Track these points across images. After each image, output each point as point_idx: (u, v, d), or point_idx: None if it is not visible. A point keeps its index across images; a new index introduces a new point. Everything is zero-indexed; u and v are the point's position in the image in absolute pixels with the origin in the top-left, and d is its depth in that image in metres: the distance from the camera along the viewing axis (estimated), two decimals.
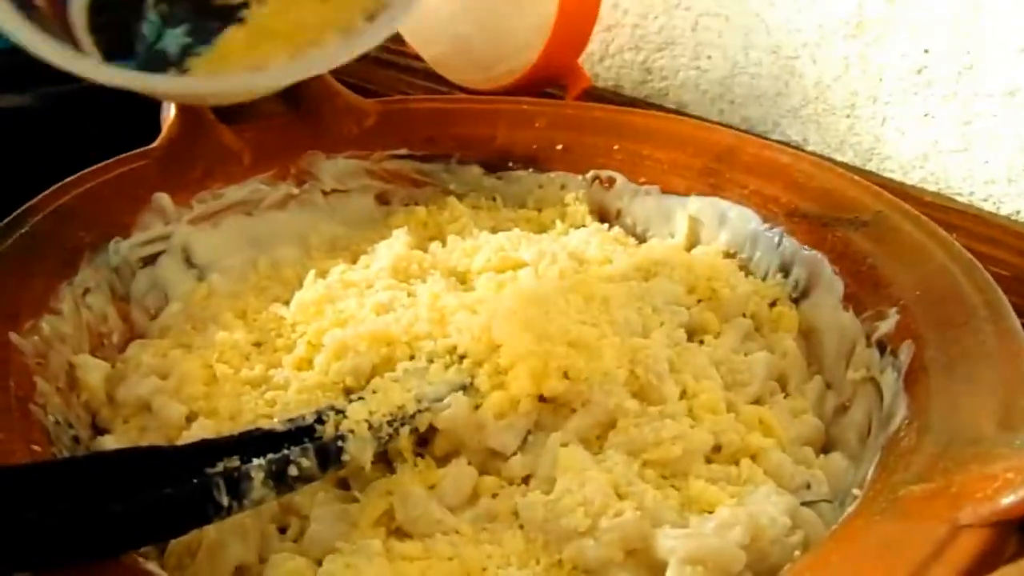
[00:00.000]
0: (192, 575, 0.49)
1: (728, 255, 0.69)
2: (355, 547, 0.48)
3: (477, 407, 0.54)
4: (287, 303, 0.64)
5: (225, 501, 0.46)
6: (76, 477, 0.43)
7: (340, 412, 0.52)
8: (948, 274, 0.57)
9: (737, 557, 0.47)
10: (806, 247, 0.65)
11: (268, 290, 0.68)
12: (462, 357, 0.56)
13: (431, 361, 0.57)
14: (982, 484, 0.41)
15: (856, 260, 0.61)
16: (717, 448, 0.54)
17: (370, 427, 0.51)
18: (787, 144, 0.86)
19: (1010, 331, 0.52)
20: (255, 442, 0.49)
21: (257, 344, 0.63)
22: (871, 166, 0.92)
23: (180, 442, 0.54)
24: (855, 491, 0.50)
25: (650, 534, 0.48)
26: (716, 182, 0.71)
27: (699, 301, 0.64)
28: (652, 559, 0.48)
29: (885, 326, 0.57)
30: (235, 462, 0.47)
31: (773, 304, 0.66)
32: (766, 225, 0.67)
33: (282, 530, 0.52)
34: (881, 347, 0.56)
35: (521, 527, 0.50)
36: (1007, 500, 0.39)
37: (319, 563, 0.48)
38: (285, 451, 0.49)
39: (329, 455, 0.50)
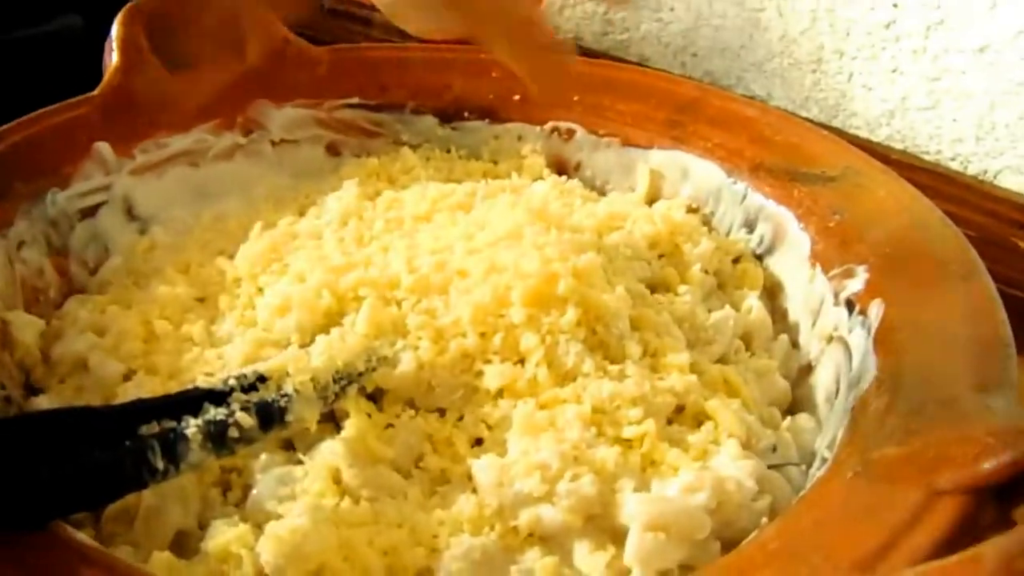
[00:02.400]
0: (130, 542, 0.47)
1: (691, 210, 0.67)
2: (300, 511, 0.46)
3: (426, 365, 0.51)
4: (232, 257, 0.62)
5: (160, 464, 0.44)
6: (1, 441, 0.41)
7: (283, 370, 0.49)
8: (919, 231, 0.56)
9: (702, 523, 0.45)
10: (772, 201, 0.63)
11: (212, 243, 0.65)
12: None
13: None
14: (960, 449, 0.40)
15: (823, 216, 0.60)
16: (680, 409, 0.52)
17: (315, 386, 0.49)
18: (751, 99, 0.84)
19: (983, 290, 0.51)
20: (193, 402, 0.47)
21: (200, 299, 0.60)
22: (837, 122, 0.90)
23: (117, 402, 0.52)
24: (824, 453, 0.48)
25: (610, 499, 0.46)
26: (679, 135, 0.69)
27: (660, 256, 0.62)
28: (613, 524, 0.46)
29: (854, 284, 0.55)
30: (171, 423, 0.45)
31: (737, 261, 0.64)
32: (731, 179, 0.66)
33: (226, 492, 0.50)
34: (850, 306, 0.54)
35: (475, 491, 0.48)
36: (987, 466, 0.38)
37: (262, 528, 0.46)
38: (225, 411, 0.47)
39: (272, 415, 0.48)
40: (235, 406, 0.47)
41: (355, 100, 0.75)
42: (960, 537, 0.37)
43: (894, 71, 0.86)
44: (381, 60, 0.78)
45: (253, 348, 0.54)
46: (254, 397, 0.48)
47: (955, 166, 0.85)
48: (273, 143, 0.74)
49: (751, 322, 0.59)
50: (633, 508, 0.45)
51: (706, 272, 0.62)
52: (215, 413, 0.46)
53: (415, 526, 0.46)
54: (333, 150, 0.75)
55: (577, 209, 0.65)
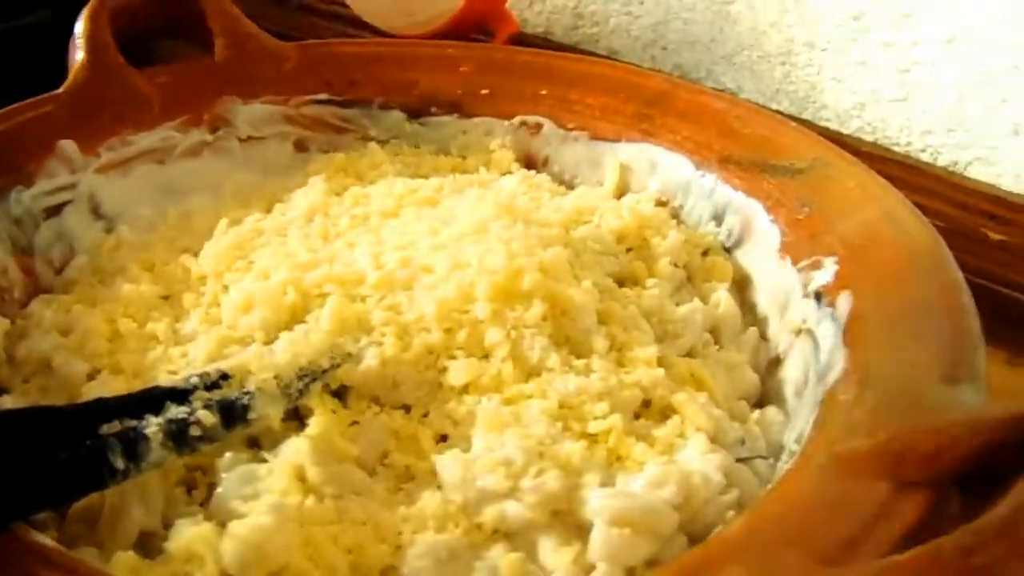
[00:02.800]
0: (94, 543, 0.46)
1: (660, 203, 0.66)
2: (263, 510, 0.45)
3: (390, 361, 0.51)
4: (198, 254, 0.61)
5: (121, 464, 0.44)
6: None
7: (246, 368, 0.49)
8: (888, 223, 0.55)
9: (668, 518, 0.45)
10: (741, 194, 0.63)
11: (178, 241, 0.64)
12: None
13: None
14: (926, 441, 0.39)
15: (792, 208, 0.59)
16: (647, 403, 0.51)
17: (279, 383, 0.49)
18: (721, 92, 0.84)
19: (952, 282, 0.51)
20: (155, 400, 0.46)
21: (165, 297, 0.59)
22: (807, 115, 0.90)
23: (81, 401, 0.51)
24: (792, 447, 0.48)
25: (575, 495, 0.45)
26: (648, 128, 0.68)
27: (628, 250, 0.62)
28: (578, 520, 0.45)
29: (822, 276, 0.54)
30: (132, 422, 0.45)
31: (706, 254, 0.63)
32: (699, 172, 0.65)
33: (191, 491, 0.49)
34: (818, 298, 0.54)
35: (439, 488, 0.47)
36: (951, 457, 0.38)
37: (226, 527, 0.45)
38: (186, 409, 0.46)
39: (235, 413, 0.48)
40: (197, 404, 0.47)
41: (323, 96, 0.74)
42: (927, 529, 0.37)
43: (864, 63, 0.86)
44: (349, 56, 0.77)
45: (217, 346, 0.53)
46: (216, 395, 0.48)
47: (925, 157, 0.85)
48: (240, 140, 0.73)
49: (720, 315, 0.59)
50: (598, 503, 0.45)
51: (675, 265, 0.61)
52: (176, 411, 0.46)
53: (379, 523, 0.45)
54: (301, 146, 0.75)
55: (544, 203, 0.65)
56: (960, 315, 0.48)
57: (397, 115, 0.75)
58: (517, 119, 0.73)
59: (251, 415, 0.48)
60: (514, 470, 0.45)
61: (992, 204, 0.80)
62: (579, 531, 0.45)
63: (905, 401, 0.43)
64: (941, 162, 0.85)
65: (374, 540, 0.45)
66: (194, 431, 0.46)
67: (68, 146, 0.65)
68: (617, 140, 0.69)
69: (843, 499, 0.39)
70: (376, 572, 0.44)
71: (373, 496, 0.47)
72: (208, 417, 0.46)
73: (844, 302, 0.52)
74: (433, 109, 0.74)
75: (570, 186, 0.71)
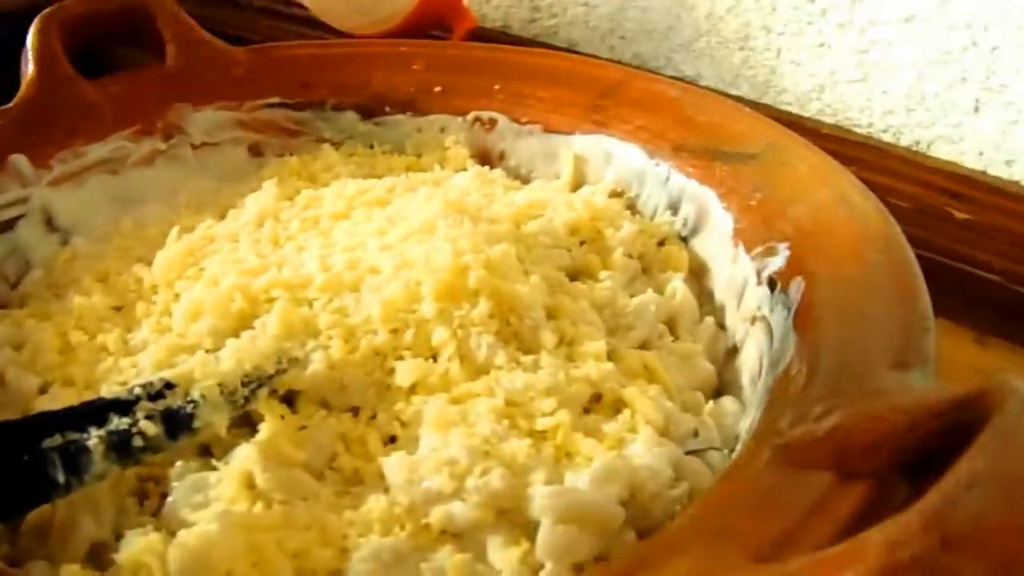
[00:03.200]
0: (45, 557, 0.46)
1: (615, 194, 0.66)
2: (210, 518, 0.44)
3: (337, 364, 0.50)
4: (152, 263, 0.61)
5: (62, 478, 0.44)
6: None
7: (190, 376, 0.49)
8: (841, 206, 0.55)
9: (615, 514, 0.44)
10: (694, 182, 0.62)
11: (132, 250, 0.64)
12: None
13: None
14: (869, 427, 0.39)
15: (745, 194, 0.59)
16: (597, 398, 0.51)
17: (223, 390, 0.48)
18: (681, 79, 0.84)
19: (905, 265, 0.50)
20: (97, 412, 0.46)
21: (117, 308, 0.59)
22: (767, 99, 0.90)
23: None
24: (745, 437, 0.47)
25: (522, 493, 0.45)
26: (601, 119, 0.68)
27: (582, 243, 0.61)
28: (525, 519, 0.45)
29: (775, 262, 0.54)
30: (75, 435, 0.44)
31: (662, 244, 0.63)
32: (653, 161, 0.65)
33: (143, 501, 0.49)
34: (771, 284, 0.53)
35: (387, 490, 0.47)
36: (893, 445, 0.37)
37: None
38: (128, 420, 0.46)
39: (179, 422, 0.47)
40: (140, 415, 0.46)
41: (275, 99, 0.74)
42: (870, 520, 0.36)
43: (821, 45, 0.86)
44: (300, 58, 0.77)
45: (167, 354, 0.53)
46: (160, 405, 0.47)
47: (887, 138, 0.85)
48: (194, 147, 0.73)
49: (676, 306, 0.58)
50: (543, 501, 0.44)
51: (630, 256, 0.61)
52: (119, 423, 0.46)
53: (325, 527, 0.45)
54: (255, 151, 0.74)
55: (497, 199, 0.64)
56: (912, 298, 0.48)
57: (351, 116, 0.75)
58: (471, 115, 0.72)
59: (196, 424, 0.47)
60: (459, 470, 0.45)
61: (956, 183, 0.80)
62: (526, 530, 0.45)
63: (853, 388, 0.43)
64: (903, 142, 0.85)
65: (319, 544, 0.44)
66: (137, 442, 0.46)
67: (19, 160, 0.65)
68: (571, 132, 0.69)
69: (782, 491, 0.38)
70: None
71: (320, 500, 0.47)
72: (151, 427, 0.46)
73: (796, 288, 0.51)
74: (387, 108, 0.74)
75: (526, 180, 0.71)
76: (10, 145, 0.65)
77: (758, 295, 0.55)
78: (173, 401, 0.47)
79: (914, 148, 0.84)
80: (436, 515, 0.45)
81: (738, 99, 0.75)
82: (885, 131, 0.85)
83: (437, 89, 0.73)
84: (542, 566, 0.43)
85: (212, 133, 0.73)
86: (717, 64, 0.92)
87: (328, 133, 0.75)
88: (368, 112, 0.74)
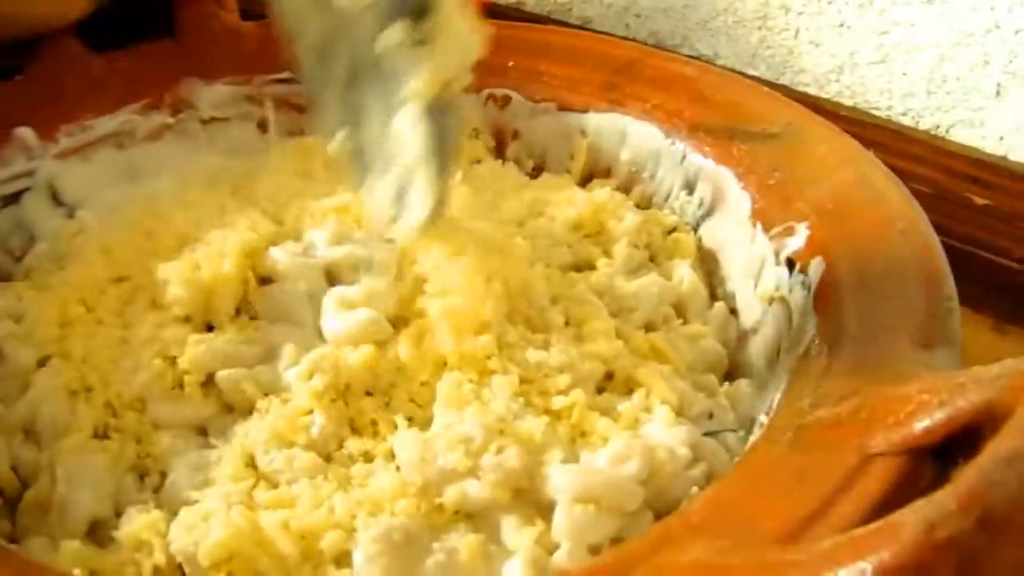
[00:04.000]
0: (45, 534, 0.45)
1: (632, 173, 0.65)
2: (213, 497, 0.44)
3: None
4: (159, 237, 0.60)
5: None
6: None
7: None
8: (861, 186, 0.54)
9: (633, 493, 0.44)
10: (711, 161, 0.61)
11: (139, 224, 0.62)
12: None
13: None
14: (894, 408, 0.38)
15: (763, 174, 0.58)
16: (609, 376, 0.50)
17: None
18: (697, 59, 0.83)
19: (927, 246, 0.50)
20: None
21: (120, 279, 0.58)
22: (784, 80, 0.88)
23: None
24: (762, 419, 0.47)
25: (537, 472, 0.44)
26: (616, 97, 0.67)
27: (586, 236, 0.61)
28: (541, 499, 0.44)
29: (794, 242, 0.53)
30: None
31: (672, 232, 0.62)
32: (669, 140, 0.64)
33: (143, 478, 0.48)
34: (790, 264, 0.53)
35: (398, 468, 0.46)
36: (921, 425, 0.36)
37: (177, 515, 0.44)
38: None
39: None
40: None
41: (286, 75, 0.72)
42: (896, 501, 0.35)
43: (841, 25, 0.84)
44: None
45: (166, 329, 0.53)
46: None
47: (907, 121, 0.84)
48: (203, 121, 0.71)
49: (683, 291, 0.58)
50: (560, 480, 0.44)
51: (635, 247, 0.60)
52: None
53: (333, 508, 0.44)
54: (265, 127, 0.73)
55: (508, 196, 0.64)
56: (934, 278, 0.47)
57: None
58: (484, 92, 0.71)
59: None
60: (474, 448, 0.44)
61: (976, 168, 0.79)
62: (542, 510, 0.44)
63: (876, 367, 0.42)
64: (923, 126, 0.83)
65: (327, 525, 0.43)
66: None
67: (25, 133, 0.64)
68: (585, 110, 0.68)
69: (805, 473, 0.37)
70: (329, 557, 0.43)
71: (328, 479, 0.46)
72: None
73: (816, 268, 0.50)
74: None
75: (540, 159, 0.70)
76: (17, 118, 0.64)
77: (776, 275, 0.54)
78: None
79: (934, 132, 0.83)
80: (450, 494, 0.44)
81: (755, 79, 0.74)
82: (904, 114, 0.83)
83: None
84: (558, 546, 0.43)
85: (221, 108, 0.72)
86: (734, 43, 0.90)
87: None
88: None
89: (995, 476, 0.28)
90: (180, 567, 0.43)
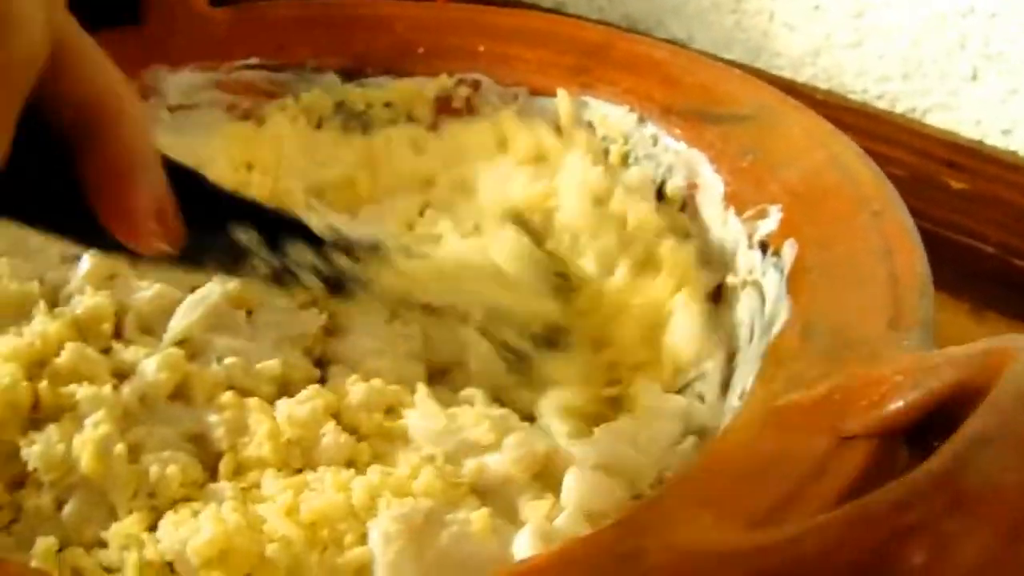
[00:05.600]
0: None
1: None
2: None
3: None
4: None
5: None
6: None
7: None
8: (834, 168, 0.54)
9: (642, 464, 0.45)
10: (683, 144, 0.61)
11: None
12: None
13: None
14: (867, 390, 0.37)
15: (736, 156, 0.58)
16: None
17: None
18: (671, 43, 0.82)
19: (901, 227, 0.49)
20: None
21: None
22: (760, 63, 0.88)
23: None
24: (735, 402, 0.47)
25: (553, 448, 0.46)
26: (587, 80, 0.66)
27: None
28: (555, 470, 0.45)
29: (767, 225, 0.53)
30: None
31: None
32: (641, 124, 0.63)
33: None
34: (763, 247, 0.53)
35: (416, 448, 0.47)
36: (894, 406, 0.36)
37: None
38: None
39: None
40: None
41: (254, 61, 0.72)
42: (872, 484, 0.34)
43: (816, 8, 0.84)
44: (281, 19, 0.75)
45: None
46: None
47: (882, 105, 0.83)
48: (170, 108, 0.71)
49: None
50: (575, 450, 0.45)
51: None
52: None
53: (350, 489, 0.44)
54: (232, 113, 0.72)
55: None
56: (907, 259, 0.47)
57: (331, 77, 0.72)
58: (455, 77, 0.70)
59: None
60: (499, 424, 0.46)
61: (952, 151, 0.78)
62: (554, 482, 0.45)
63: (849, 351, 0.42)
64: (899, 109, 0.83)
65: (343, 511, 0.43)
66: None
67: None
68: (555, 95, 0.67)
69: (779, 456, 0.37)
70: (341, 538, 0.43)
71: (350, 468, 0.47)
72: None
73: (788, 250, 0.50)
74: (368, 70, 0.72)
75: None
76: None
77: (749, 259, 0.54)
78: None
79: (910, 116, 0.82)
80: (469, 467, 0.45)
81: (730, 63, 0.73)
82: (880, 98, 0.83)
83: (420, 50, 0.71)
84: (567, 515, 0.43)
85: (189, 95, 0.71)
86: (709, 27, 0.90)
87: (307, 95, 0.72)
88: (349, 74, 0.72)
89: (969, 456, 0.28)
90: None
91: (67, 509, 0.45)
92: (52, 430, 0.46)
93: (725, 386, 0.51)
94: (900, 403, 0.35)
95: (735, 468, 0.37)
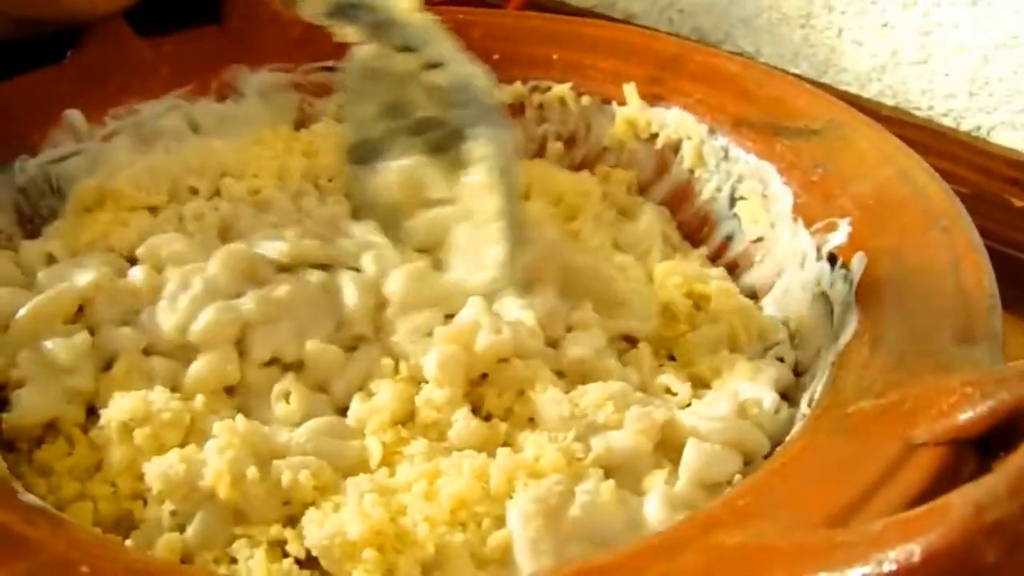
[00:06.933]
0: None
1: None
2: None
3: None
4: None
5: None
6: None
7: None
8: (903, 183, 0.55)
9: (758, 435, 0.47)
10: (753, 156, 0.62)
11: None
12: None
13: None
14: (937, 399, 0.38)
15: (806, 169, 0.58)
16: None
17: None
18: (740, 55, 0.83)
19: (969, 242, 0.50)
20: None
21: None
22: (826, 79, 0.88)
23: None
24: (804, 409, 0.48)
25: (674, 419, 0.47)
26: (660, 92, 0.67)
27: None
28: (675, 442, 0.47)
29: (836, 237, 0.54)
30: None
31: None
32: (712, 135, 0.64)
33: None
34: (832, 259, 0.53)
35: (543, 430, 0.47)
36: (964, 416, 0.36)
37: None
38: None
39: None
40: None
41: (331, 63, 0.73)
42: (939, 490, 0.35)
43: (884, 25, 0.84)
44: None
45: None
46: None
47: (948, 122, 0.84)
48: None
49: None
50: (690, 422, 0.47)
51: None
52: None
53: (485, 473, 0.45)
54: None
55: None
56: (976, 274, 0.48)
57: None
58: (529, 84, 0.71)
59: None
60: (621, 403, 0.47)
61: (1016, 170, 0.78)
62: (670, 450, 0.47)
63: (918, 361, 0.43)
64: (964, 127, 0.83)
65: (479, 493, 0.44)
66: None
67: (73, 116, 0.65)
68: (626, 103, 0.68)
69: (849, 461, 0.38)
70: (480, 520, 0.43)
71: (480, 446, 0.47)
72: None
73: (858, 263, 0.51)
74: None
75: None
76: (65, 101, 0.65)
77: (817, 270, 0.55)
78: None
79: (975, 134, 0.83)
80: (597, 447, 0.46)
81: (797, 77, 0.74)
82: (946, 115, 0.83)
83: (495, 57, 0.71)
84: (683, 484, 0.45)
85: (266, 95, 0.72)
86: (777, 41, 0.90)
87: None
88: None
89: None
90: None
91: (191, 528, 0.44)
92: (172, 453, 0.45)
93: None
94: (969, 413, 0.36)
95: (807, 471, 0.38)
